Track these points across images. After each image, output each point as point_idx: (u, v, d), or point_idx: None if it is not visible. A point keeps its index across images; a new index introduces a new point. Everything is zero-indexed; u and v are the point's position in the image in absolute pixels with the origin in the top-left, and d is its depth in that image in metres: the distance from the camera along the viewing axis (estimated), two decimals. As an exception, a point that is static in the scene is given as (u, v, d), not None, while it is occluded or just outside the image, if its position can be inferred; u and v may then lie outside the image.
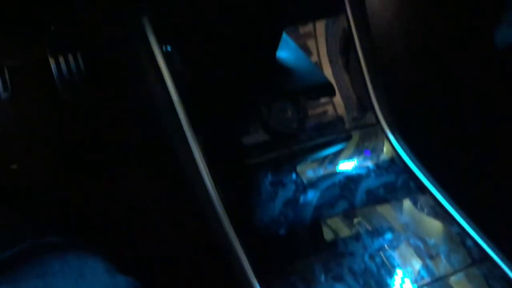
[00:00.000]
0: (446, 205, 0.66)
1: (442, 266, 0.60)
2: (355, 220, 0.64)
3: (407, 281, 0.59)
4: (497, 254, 0.61)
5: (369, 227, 0.64)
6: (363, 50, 0.76)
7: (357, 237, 0.63)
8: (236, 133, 0.68)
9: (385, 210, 0.66)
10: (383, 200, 0.67)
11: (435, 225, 0.65)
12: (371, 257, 0.61)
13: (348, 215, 0.65)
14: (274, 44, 0.75)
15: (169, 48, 0.67)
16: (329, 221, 0.64)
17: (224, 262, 0.61)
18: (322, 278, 0.58)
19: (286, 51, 0.77)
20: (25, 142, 0.82)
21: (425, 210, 0.66)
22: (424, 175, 0.69)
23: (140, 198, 0.75)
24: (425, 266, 0.60)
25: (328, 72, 0.76)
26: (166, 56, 0.65)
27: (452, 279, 0.59)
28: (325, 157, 0.69)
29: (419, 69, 0.90)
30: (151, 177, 0.76)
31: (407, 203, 0.67)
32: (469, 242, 0.63)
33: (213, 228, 0.62)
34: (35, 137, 0.83)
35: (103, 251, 0.58)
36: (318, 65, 0.77)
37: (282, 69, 0.76)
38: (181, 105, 0.64)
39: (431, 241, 0.63)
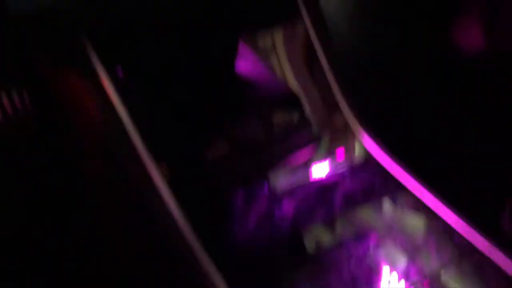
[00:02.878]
0: (428, 201, 0.63)
1: (431, 262, 0.57)
2: (336, 227, 0.61)
3: (397, 282, 0.55)
4: (485, 245, 0.58)
5: (351, 233, 0.60)
6: (325, 52, 0.74)
7: (340, 244, 0.59)
8: (200, 150, 0.65)
9: (365, 213, 0.63)
10: (362, 203, 0.64)
11: (419, 223, 0.62)
12: (358, 262, 0.57)
13: (328, 223, 0.61)
14: (232, 54, 0.72)
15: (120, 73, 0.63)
16: (308, 232, 0.60)
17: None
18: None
19: (246, 63, 0.74)
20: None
21: (407, 208, 0.63)
22: (401, 173, 0.66)
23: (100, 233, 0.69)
24: (414, 265, 0.57)
25: (290, 78, 0.74)
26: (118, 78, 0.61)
27: (443, 275, 0.56)
28: (297, 165, 0.66)
29: (380, 65, 0.89)
30: (110, 209, 0.71)
31: (387, 204, 0.64)
32: (455, 236, 0.60)
33: (182, 257, 0.57)
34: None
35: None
36: (280, 73, 0.74)
37: (243, 81, 0.73)
38: (135, 128, 0.59)
39: (417, 239, 0.60)
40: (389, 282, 0.55)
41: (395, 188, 0.65)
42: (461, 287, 0.55)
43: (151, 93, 0.64)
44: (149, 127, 0.59)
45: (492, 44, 0.85)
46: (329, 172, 0.66)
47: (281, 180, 0.64)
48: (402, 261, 0.57)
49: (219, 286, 0.53)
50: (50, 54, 0.64)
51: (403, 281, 0.55)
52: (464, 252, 0.58)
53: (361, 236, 0.60)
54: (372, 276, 0.56)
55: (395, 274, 0.56)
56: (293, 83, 0.73)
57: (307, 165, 0.66)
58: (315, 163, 0.66)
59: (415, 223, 0.61)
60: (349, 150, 0.69)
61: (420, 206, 0.63)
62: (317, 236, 0.60)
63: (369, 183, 0.66)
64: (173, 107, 0.65)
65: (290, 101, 0.72)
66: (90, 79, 0.60)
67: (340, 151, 0.68)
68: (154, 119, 0.62)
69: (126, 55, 0.61)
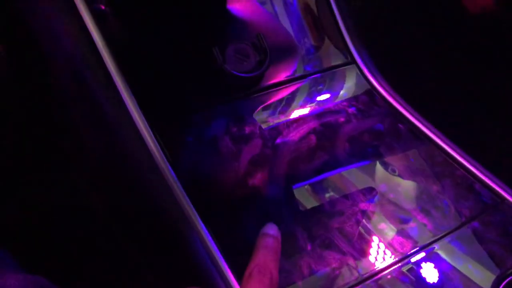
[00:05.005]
0: (445, 146, 0.55)
1: (452, 216, 0.49)
2: (341, 174, 0.52)
3: (415, 238, 0.47)
4: (511, 195, 0.51)
5: (359, 180, 0.51)
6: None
7: (345, 194, 0.50)
8: (185, 83, 0.54)
9: (374, 159, 0.54)
10: (369, 148, 0.55)
11: (435, 171, 0.53)
12: (366, 214, 0.48)
13: (331, 169, 0.52)
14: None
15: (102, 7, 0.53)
16: (308, 178, 0.51)
17: (179, 247, 0.47)
18: (308, 247, 0.46)
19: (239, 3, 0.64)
20: None
21: (422, 154, 0.55)
22: (412, 114, 0.58)
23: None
24: (434, 219, 0.49)
25: (283, 15, 0.64)
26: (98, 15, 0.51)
27: (466, 230, 0.48)
28: (295, 102, 0.56)
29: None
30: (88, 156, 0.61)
31: (398, 149, 0.55)
32: (477, 186, 0.52)
33: (163, 206, 0.47)
34: None
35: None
36: (276, 13, 0.64)
37: (235, 19, 0.63)
38: (116, 67, 0.50)
39: (434, 190, 0.51)
40: (405, 242, 0.47)
41: (408, 133, 0.56)
42: (458, 259, 0.47)
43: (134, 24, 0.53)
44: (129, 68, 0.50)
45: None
46: (331, 113, 0.57)
47: (276, 118, 0.55)
48: (420, 217, 0.49)
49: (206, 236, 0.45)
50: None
51: (421, 240, 0.47)
52: (488, 205, 0.50)
53: (370, 186, 0.51)
54: (383, 233, 0.47)
55: (411, 232, 0.47)
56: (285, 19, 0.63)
57: (305, 103, 0.57)
58: (316, 102, 0.57)
59: (432, 173, 0.53)
60: (355, 90, 0.60)
61: (437, 153, 0.54)
62: (318, 184, 0.51)
63: (377, 127, 0.57)
64: (159, 42, 0.54)
65: (283, 32, 0.62)
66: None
67: (345, 90, 0.59)
68: (135, 59, 0.52)
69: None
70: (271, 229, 0.43)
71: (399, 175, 0.53)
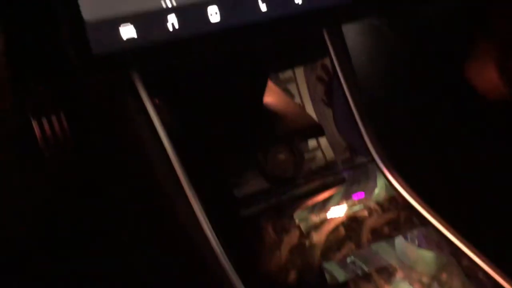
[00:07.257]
0: (453, 238, 0.65)
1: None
2: (364, 261, 0.63)
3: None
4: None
5: (379, 267, 0.62)
6: (349, 88, 0.77)
7: (367, 277, 0.61)
8: (235, 183, 0.67)
9: (392, 248, 0.65)
10: (388, 238, 0.65)
11: (444, 260, 0.64)
12: (386, 298, 0.59)
13: (356, 256, 0.63)
14: (261, 91, 0.76)
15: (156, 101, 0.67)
16: (337, 264, 0.62)
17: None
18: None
19: (271, 97, 0.78)
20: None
21: (433, 246, 0.65)
22: (426, 210, 0.68)
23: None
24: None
25: (313, 114, 0.77)
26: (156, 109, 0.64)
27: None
28: (325, 199, 0.68)
29: (404, 101, 0.91)
30: (148, 238, 0.73)
31: (413, 240, 0.66)
32: (480, 275, 0.62)
33: (219, 282, 0.59)
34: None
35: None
36: (303, 107, 0.77)
37: (270, 114, 0.76)
38: (176, 157, 0.62)
39: (443, 277, 0.61)
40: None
41: (421, 226, 0.67)
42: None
43: (188, 128, 0.67)
44: (184, 157, 0.62)
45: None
46: (356, 208, 0.68)
47: (310, 214, 0.66)
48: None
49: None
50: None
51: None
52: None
53: (388, 272, 0.62)
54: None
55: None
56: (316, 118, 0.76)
57: (334, 200, 0.69)
58: (342, 200, 0.69)
59: (441, 262, 0.63)
60: (374, 187, 0.71)
61: (446, 245, 0.65)
62: (345, 269, 0.62)
63: (395, 220, 0.68)
64: (208, 142, 0.68)
65: (315, 136, 0.75)
66: (134, 105, 0.63)
67: (365, 187, 0.71)
68: (189, 150, 0.65)
69: (170, 92, 0.64)
70: None
71: (413, 264, 0.63)
